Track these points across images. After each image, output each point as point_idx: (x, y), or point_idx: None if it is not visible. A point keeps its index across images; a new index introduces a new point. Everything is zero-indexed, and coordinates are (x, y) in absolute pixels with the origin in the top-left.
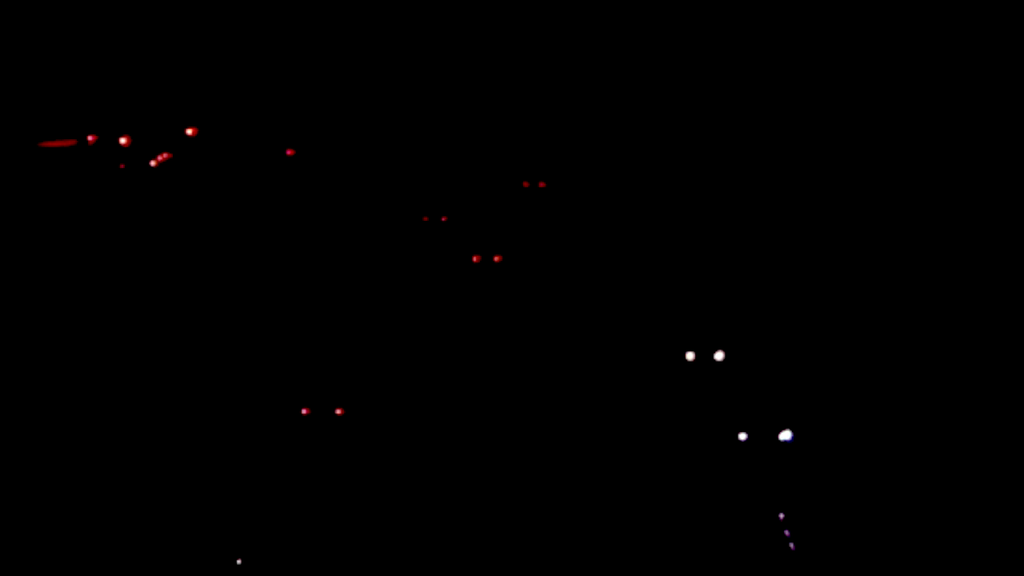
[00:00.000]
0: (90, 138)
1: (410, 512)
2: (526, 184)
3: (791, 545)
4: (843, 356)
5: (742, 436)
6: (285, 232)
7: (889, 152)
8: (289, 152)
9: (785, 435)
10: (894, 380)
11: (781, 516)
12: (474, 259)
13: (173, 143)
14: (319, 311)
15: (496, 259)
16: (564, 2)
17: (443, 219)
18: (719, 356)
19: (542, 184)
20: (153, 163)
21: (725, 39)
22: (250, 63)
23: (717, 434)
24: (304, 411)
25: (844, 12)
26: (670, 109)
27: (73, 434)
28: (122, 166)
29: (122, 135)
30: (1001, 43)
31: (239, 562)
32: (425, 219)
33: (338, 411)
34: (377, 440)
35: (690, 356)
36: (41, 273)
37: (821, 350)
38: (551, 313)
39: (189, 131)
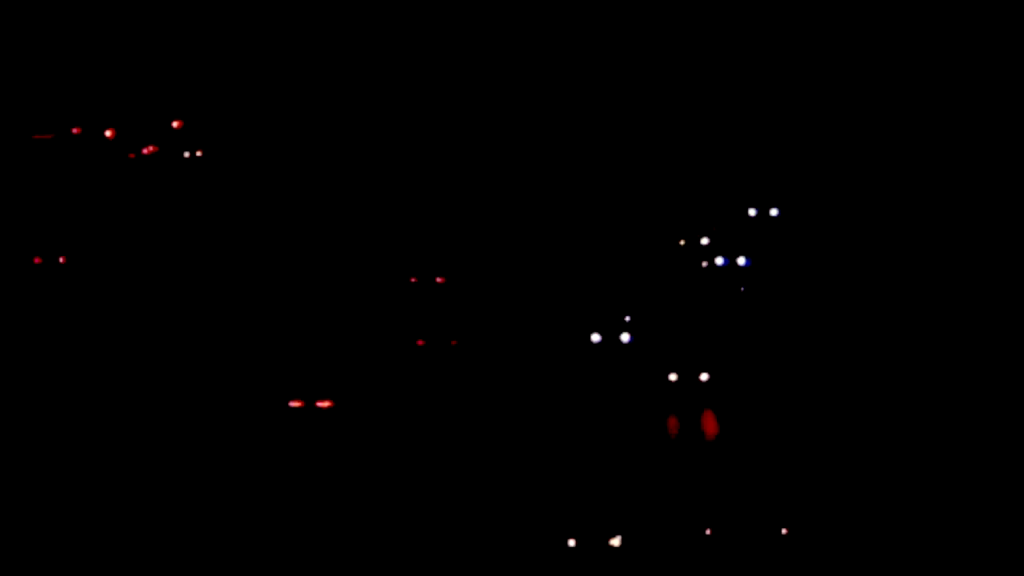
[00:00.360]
0: (75, 130)
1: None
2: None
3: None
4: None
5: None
6: (272, 223)
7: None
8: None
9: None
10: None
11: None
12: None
13: (159, 136)
14: (307, 303)
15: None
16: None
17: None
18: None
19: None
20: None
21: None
22: (235, 57)
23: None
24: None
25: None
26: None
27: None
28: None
29: (107, 128)
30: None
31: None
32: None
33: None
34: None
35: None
36: (27, 263)
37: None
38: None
39: (175, 124)
